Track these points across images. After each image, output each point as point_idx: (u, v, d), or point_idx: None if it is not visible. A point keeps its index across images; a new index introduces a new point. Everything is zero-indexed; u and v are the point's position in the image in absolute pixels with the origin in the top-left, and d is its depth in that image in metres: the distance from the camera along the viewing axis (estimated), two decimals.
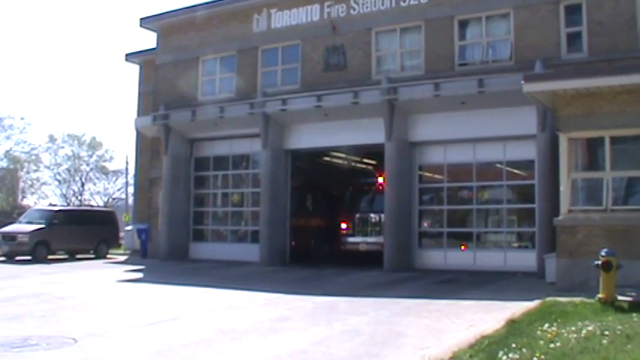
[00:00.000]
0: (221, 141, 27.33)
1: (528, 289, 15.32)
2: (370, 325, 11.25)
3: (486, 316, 11.63)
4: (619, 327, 9.50)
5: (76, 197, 65.54)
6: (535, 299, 12.86)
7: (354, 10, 24.35)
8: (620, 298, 12.09)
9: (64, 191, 65.31)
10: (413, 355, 8.69)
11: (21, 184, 61.01)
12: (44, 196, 62.62)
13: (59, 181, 65.23)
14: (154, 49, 30.53)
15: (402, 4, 23.43)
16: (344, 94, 22.80)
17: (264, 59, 26.65)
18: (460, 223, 22.51)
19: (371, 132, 22.49)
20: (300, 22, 25.63)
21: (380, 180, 26.02)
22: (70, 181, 65.89)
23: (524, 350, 8.22)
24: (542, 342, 8.73)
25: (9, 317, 12.08)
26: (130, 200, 47.62)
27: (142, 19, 29.91)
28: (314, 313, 12.88)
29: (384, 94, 21.75)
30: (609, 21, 19.75)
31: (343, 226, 30.13)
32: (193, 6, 28.41)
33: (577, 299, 12.34)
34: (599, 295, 12.12)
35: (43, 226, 27.88)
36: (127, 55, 33.83)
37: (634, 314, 10.77)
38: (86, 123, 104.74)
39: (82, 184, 66.61)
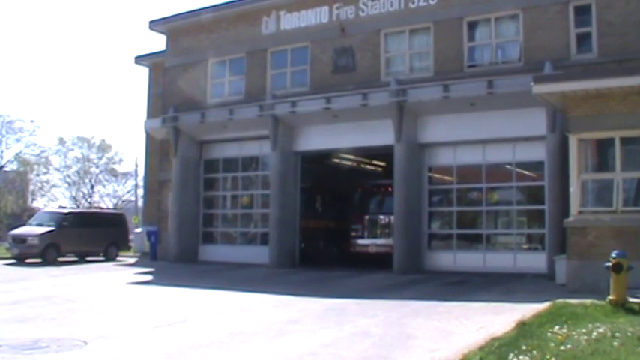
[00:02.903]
0: (230, 143, 27.37)
1: (538, 291, 15.27)
2: (380, 327, 11.25)
3: (496, 318, 11.60)
4: (630, 329, 9.45)
5: (86, 200, 65.76)
6: (545, 301, 12.81)
7: (363, 11, 24.36)
8: (630, 299, 12.04)
9: (73, 194, 65.57)
10: (423, 357, 8.68)
11: (31, 187, 61.22)
12: (54, 198, 62.91)
13: (69, 184, 65.50)
14: (163, 51, 30.63)
15: (410, 5, 23.42)
16: (353, 95, 22.82)
17: (273, 61, 26.69)
18: (470, 224, 22.47)
19: (380, 134, 22.48)
20: (309, 24, 25.65)
21: (389, 182, 25.98)
22: (79, 184, 66.10)
23: (534, 352, 8.20)
24: (552, 344, 8.70)
25: (20, 319, 12.13)
26: (140, 202, 47.76)
27: (151, 21, 30.03)
28: (324, 315, 12.87)
29: (393, 95, 21.74)
30: (619, 21, 19.68)
31: (352, 227, 30.10)
32: (202, 8, 28.51)
33: (587, 301, 12.28)
34: (610, 297, 12.08)
35: (53, 228, 27.96)
36: (136, 57, 33.93)
37: None
38: (96, 125, 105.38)
39: (92, 187, 66.84)
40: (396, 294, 16.09)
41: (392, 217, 23.39)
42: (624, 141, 14.98)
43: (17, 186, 58.10)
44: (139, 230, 33.31)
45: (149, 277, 21.69)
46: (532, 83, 15.83)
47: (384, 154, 24.05)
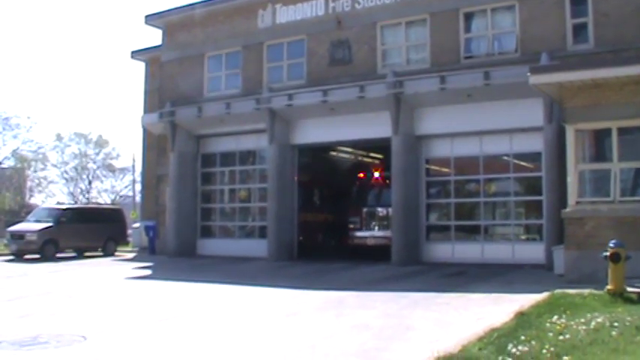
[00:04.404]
0: (227, 137, 27.34)
1: (537, 282, 15.30)
2: (379, 319, 11.26)
3: (495, 309, 11.62)
4: (628, 318, 9.48)
5: (84, 195, 65.77)
6: (544, 291, 12.84)
7: (359, 4, 24.29)
8: (628, 289, 12.08)
9: (71, 189, 65.60)
10: (422, 349, 8.69)
11: (28, 183, 61.21)
12: (52, 194, 62.89)
13: (66, 180, 65.50)
14: (159, 46, 30.55)
15: None
16: (350, 88, 22.78)
17: (270, 55, 26.64)
18: (468, 216, 22.47)
19: (377, 126, 22.46)
20: (305, 17, 25.58)
21: (386, 174, 25.97)
22: (77, 180, 66.10)
23: (533, 342, 8.22)
24: (551, 334, 8.73)
25: (19, 315, 12.15)
26: (138, 197, 47.73)
27: (147, 16, 29.96)
28: (323, 307, 12.90)
29: (390, 87, 21.72)
30: (615, 12, 19.65)
31: (350, 220, 30.11)
32: (198, 2, 28.38)
33: (586, 291, 12.32)
34: (608, 287, 12.11)
35: (51, 224, 27.95)
36: (132, 52, 33.81)
37: None
38: (93, 121, 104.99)
39: (89, 182, 66.84)
40: (394, 286, 16.10)
41: (390, 210, 23.39)
42: (621, 131, 14.97)
43: (15, 182, 58.08)
44: (137, 225, 33.27)
45: (148, 272, 21.69)
46: (529, 74, 15.80)
47: (382, 146, 24.06)
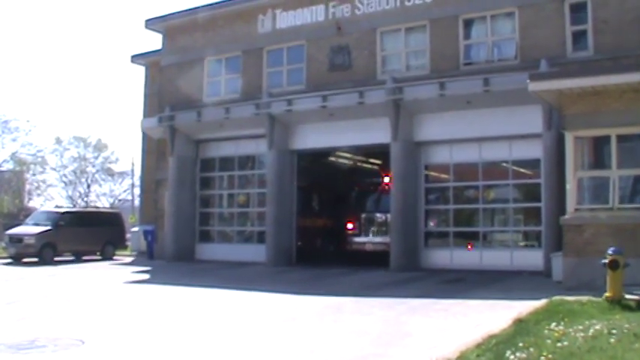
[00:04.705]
0: (227, 142, 27.34)
1: (535, 288, 15.28)
2: (377, 325, 11.26)
3: (493, 316, 11.61)
4: (626, 326, 9.47)
5: (82, 199, 65.66)
6: (542, 298, 12.82)
7: (359, 10, 24.33)
8: (627, 296, 12.07)
9: (70, 193, 65.46)
10: (420, 355, 8.68)
11: (27, 186, 61.08)
12: (50, 198, 62.69)
13: (65, 183, 65.37)
14: (159, 50, 30.59)
15: (406, 3, 23.39)
16: (349, 94, 22.79)
17: (270, 60, 26.66)
18: (466, 222, 22.48)
19: (376, 132, 22.48)
20: (305, 23, 25.61)
21: (386, 180, 25.99)
22: (76, 183, 66.01)
23: (531, 349, 8.21)
24: (549, 341, 8.71)
25: (16, 319, 12.14)
26: (137, 202, 47.69)
27: (147, 20, 29.99)
28: (321, 313, 12.89)
29: (389, 93, 21.73)
30: (615, 19, 19.68)
31: (349, 226, 30.14)
32: (199, 7, 28.41)
33: (584, 298, 12.30)
34: (606, 294, 12.10)
35: (49, 227, 27.92)
36: (132, 56, 33.85)
37: None
38: (92, 125, 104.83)
39: (88, 186, 66.74)
40: (393, 292, 16.10)
41: (388, 215, 23.39)
42: (620, 138, 14.98)
43: (13, 185, 58.01)
44: (135, 229, 33.25)
45: (146, 276, 21.68)
46: (528, 81, 15.81)
47: (381, 152, 24.07)
